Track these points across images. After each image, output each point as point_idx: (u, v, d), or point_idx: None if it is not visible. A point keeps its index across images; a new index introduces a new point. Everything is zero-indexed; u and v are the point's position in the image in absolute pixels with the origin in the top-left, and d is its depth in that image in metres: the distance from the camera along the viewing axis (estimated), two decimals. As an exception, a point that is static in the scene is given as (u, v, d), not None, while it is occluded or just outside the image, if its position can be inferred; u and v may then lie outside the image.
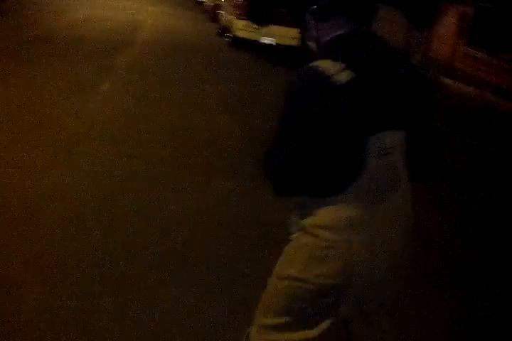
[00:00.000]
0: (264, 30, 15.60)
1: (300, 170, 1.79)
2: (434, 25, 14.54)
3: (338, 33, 1.90)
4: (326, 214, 1.82)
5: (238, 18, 15.98)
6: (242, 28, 15.79)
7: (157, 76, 10.42)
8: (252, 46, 15.98)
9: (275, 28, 15.61)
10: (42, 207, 4.40)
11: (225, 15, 18.34)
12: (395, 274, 1.95)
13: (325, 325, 1.93)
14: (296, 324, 1.94)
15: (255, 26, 15.56)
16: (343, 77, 1.70)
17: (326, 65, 1.74)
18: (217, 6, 21.71)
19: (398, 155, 1.84)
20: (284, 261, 1.97)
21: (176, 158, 5.98)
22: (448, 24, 14.31)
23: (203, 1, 29.94)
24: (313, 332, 1.93)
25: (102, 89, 8.77)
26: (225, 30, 17.85)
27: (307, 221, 1.88)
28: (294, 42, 15.43)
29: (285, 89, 1.83)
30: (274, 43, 15.74)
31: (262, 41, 15.75)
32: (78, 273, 3.48)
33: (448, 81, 12.86)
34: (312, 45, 2.01)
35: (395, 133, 1.81)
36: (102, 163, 5.54)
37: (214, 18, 22.09)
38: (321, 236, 1.82)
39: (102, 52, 12.24)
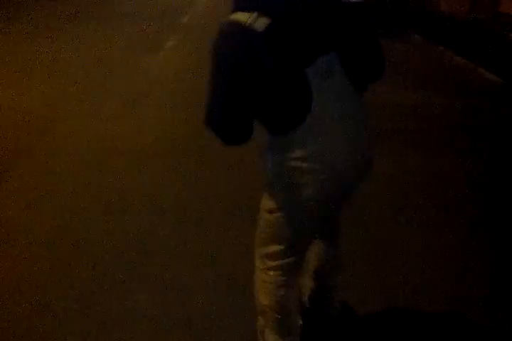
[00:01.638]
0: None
1: (237, 120, 1.96)
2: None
3: None
4: (296, 151, 2.00)
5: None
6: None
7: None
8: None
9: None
10: (107, 151, 4.79)
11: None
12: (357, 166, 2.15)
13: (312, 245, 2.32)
14: (290, 249, 2.24)
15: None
16: (260, 24, 1.79)
17: (240, 17, 1.82)
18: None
19: (339, 74, 1.97)
20: (267, 195, 2.19)
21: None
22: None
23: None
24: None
25: (166, 46, 9.09)
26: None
27: (279, 157, 2.06)
28: None
29: (211, 47, 1.90)
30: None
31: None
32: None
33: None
34: None
35: (328, 56, 1.93)
36: (161, 114, 5.86)
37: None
38: (292, 167, 2.03)
39: (168, 13, 12.60)
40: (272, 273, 2.32)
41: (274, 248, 2.25)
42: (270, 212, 2.19)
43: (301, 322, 2.48)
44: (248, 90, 1.89)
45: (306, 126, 1.96)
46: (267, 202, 2.20)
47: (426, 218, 3.83)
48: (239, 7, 1.89)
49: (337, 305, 2.75)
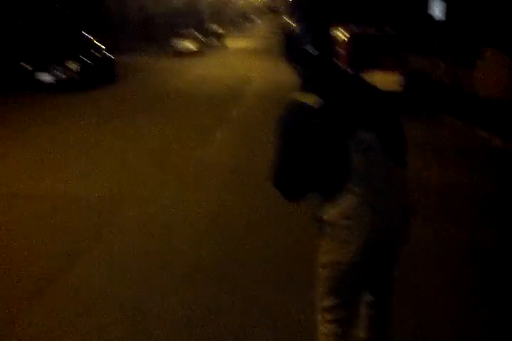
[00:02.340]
0: (365, 76, 16.00)
1: (293, 178, 2.44)
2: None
3: (308, 73, 2.60)
4: (337, 209, 2.38)
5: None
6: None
7: (264, 127, 10.96)
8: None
9: (376, 74, 16.02)
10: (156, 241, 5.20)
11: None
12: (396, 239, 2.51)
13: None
14: (344, 302, 2.51)
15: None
16: (317, 103, 2.35)
17: (301, 97, 2.41)
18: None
19: (377, 149, 2.39)
20: (320, 253, 2.51)
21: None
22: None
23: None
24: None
25: (218, 137, 9.73)
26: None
27: (324, 216, 2.42)
28: (395, 88, 15.80)
29: (277, 120, 2.45)
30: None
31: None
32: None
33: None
34: (298, 80, 2.64)
35: (367, 133, 2.39)
36: (211, 200, 6.31)
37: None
38: (337, 226, 2.39)
39: (217, 106, 13.46)
40: (329, 325, 2.55)
41: (330, 301, 2.53)
42: (323, 267, 2.50)
43: None
44: (304, 153, 2.37)
45: (347, 190, 2.35)
46: (320, 258, 2.52)
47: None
48: (301, 89, 2.47)
49: None
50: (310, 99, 2.37)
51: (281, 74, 22.51)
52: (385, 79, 15.70)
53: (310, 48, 2.59)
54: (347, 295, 2.52)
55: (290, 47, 2.71)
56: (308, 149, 2.36)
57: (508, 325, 3.70)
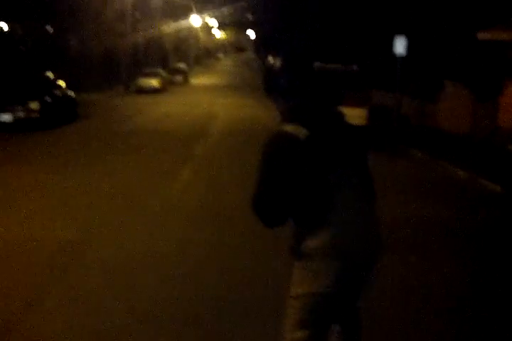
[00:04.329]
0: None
1: (273, 205, 2.47)
2: (499, 96, 14.77)
3: (293, 105, 2.62)
4: (315, 240, 2.42)
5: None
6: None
7: (226, 166, 10.75)
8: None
9: (342, 109, 16.09)
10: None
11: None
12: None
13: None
14: (315, 334, 2.49)
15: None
16: (302, 134, 2.41)
17: (288, 128, 2.47)
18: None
19: (353, 184, 2.48)
20: (293, 284, 2.53)
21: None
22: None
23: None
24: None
25: (181, 176, 9.48)
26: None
27: (301, 247, 2.47)
28: (361, 121, 15.84)
29: (262, 149, 2.50)
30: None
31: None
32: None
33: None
34: (280, 113, 2.68)
35: (346, 168, 2.49)
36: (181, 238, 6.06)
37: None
38: (314, 257, 2.42)
39: (181, 144, 13.26)
40: None
41: (300, 333, 2.49)
42: (295, 298, 2.50)
43: None
44: (286, 182, 2.42)
45: (327, 222, 2.40)
46: (292, 289, 2.54)
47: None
48: (285, 120, 2.54)
49: None
50: (296, 130, 2.42)
51: (244, 109, 22.73)
52: (351, 114, 15.79)
53: (290, 81, 2.63)
54: (318, 326, 2.50)
55: (270, 81, 2.71)
56: (291, 179, 2.41)
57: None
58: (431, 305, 4.50)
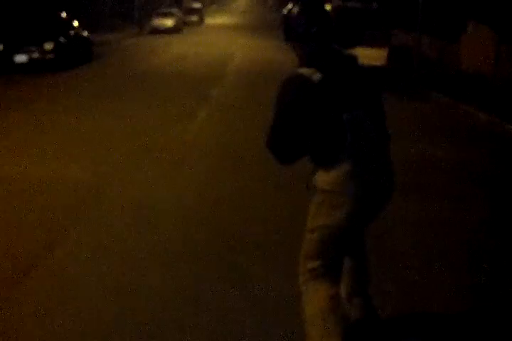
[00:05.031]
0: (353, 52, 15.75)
1: (288, 143, 2.62)
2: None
3: (309, 51, 2.72)
4: (330, 176, 2.59)
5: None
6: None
7: (242, 108, 10.70)
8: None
9: (361, 50, 15.78)
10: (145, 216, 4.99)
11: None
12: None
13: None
14: (329, 263, 2.70)
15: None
16: (316, 77, 2.54)
17: (303, 70, 2.60)
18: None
19: (366, 124, 2.60)
20: (309, 218, 2.72)
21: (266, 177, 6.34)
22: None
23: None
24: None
25: (199, 117, 9.46)
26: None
27: (318, 182, 2.65)
28: (381, 62, 15.52)
29: (278, 88, 2.63)
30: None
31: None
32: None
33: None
34: (298, 58, 2.80)
35: (359, 109, 2.60)
36: (199, 179, 6.14)
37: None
38: (328, 192, 2.60)
39: (197, 84, 13.16)
40: (314, 284, 2.71)
41: (316, 263, 2.71)
42: (311, 231, 2.70)
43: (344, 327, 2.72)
44: (299, 122, 2.58)
45: (340, 159, 2.55)
46: (308, 223, 2.73)
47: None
48: (302, 64, 2.67)
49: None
50: (312, 74, 2.55)
51: (261, 51, 22.32)
52: (370, 55, 15.49)
53: (308, 27, 2.69)
54: (332, 257, 2.71)
55: (289, 27, 2.75)
56: (304, 119, 2.55)
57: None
58: (442, 243, 4.57)
